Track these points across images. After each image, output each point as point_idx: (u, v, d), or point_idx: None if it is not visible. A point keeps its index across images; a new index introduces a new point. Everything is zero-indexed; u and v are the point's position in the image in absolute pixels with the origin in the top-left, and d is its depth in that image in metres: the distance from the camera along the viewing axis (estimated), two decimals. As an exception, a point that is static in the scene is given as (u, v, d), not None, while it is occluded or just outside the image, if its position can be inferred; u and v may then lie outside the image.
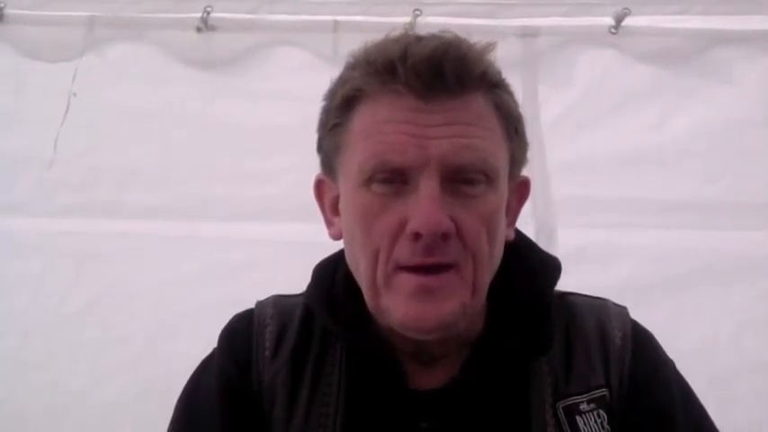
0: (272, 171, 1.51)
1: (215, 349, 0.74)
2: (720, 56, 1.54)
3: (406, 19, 1.49)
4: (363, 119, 0.61)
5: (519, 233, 0.72)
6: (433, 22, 1.47)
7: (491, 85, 0.62)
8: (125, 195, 1.51)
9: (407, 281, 0.59)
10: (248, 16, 1.57)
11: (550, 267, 0.71)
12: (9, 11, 1.57)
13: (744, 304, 1.44)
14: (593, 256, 1.46)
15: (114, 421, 1.40)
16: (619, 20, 1.54)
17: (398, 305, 0.60)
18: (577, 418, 0.66)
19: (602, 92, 1.54)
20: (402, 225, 0.59)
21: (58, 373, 1.43)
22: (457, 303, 0.60)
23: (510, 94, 0.65)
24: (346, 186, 0.63)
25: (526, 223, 1.32)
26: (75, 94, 1.47)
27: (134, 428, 1.39)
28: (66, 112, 1.47)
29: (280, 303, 0.74)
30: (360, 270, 0.63)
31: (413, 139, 0.58)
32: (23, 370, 1.44)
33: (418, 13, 1.50)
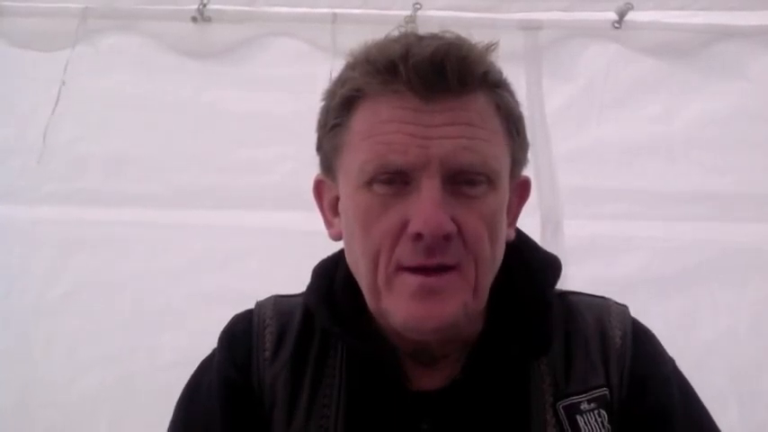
0: (268, 160, 1.49)
1: (215, 349, 0.73)
2: (723, 50, 1.54)
3: (406, 12, 1.48)
4: (364, 119, 0.60)
5: (519, 232, 0.71)
6: (434, 15, 1.46)
7: (492, 86, 0.61)
8: (116, 184, 1.48)
9: (409, 281, 0.59)
10: (245, 8, 1.56)
11: (551, 267, 0.70)
12: (4, 3, 1.57)
13: (759, 296, 1.43)
14: (600, 248, 1.45)
15: (92, 415, 1.37)
16: (621, 14, 1.54)
17: (400, 306, 0.59)
18: (578, 417, 0.65)
19: (607, 85, 1.53)
20: (403, 226, 0.58)
21: (37, 364, 1.40)
22: (459, 304, 0.59)
23: (511, 93, 0.64)
24: (346, 187, 0.62)
25: (532, 215, 1.33)
26: (64, 83, 1.45)
27: (111, 423, 1.37)
28: (57, 101, 1.45)
29: (279, 304, 0.73)
30: (360, 271, 0.62)
31: (414, 139, 0.58)
32: (1, 360, 1.40)
33: (418, 6, 1.48)
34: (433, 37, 0.60)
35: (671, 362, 0.71)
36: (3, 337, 1.42)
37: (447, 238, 0.57)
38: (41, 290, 1.44)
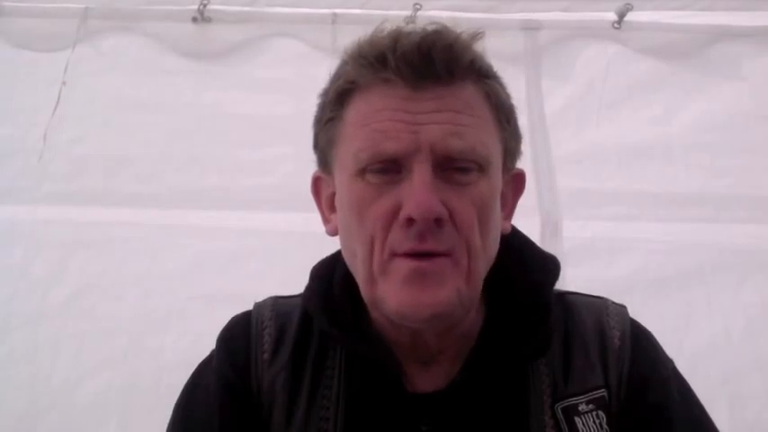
0: (268, 161, 1.49)
1: (213, 351, 0.73)
2: (723, 51, 1.55)
3: (406, 13, 1.49)
4: (357, 109, 0.62)
5: (518, 232, 0.71)
6: (434, 16, 1.46)
7: (480, 75, 0.62)
8: (116, 185, 1.48)
9: (402, 265, 0.59)
10: (246, 8, 1.57)
11: (549, 267, 0.70)
12: (5, 3, 1.57)
13: (755, 298, 1.43)
14: (600, 250, 1.45)
15: (99, 417, 1.37)
16: (621, 15, 1.55)
17: (394, 291, 0.59)
18: (576, 419, 0.65)
19: (606, 86, 1.54)
20: (396, 211, 0.59)
21: (42, 366, 1.40)
22: (452, 290, 0.59)
23: (501, 84, 0.65)
24: (341, 177, 0.63)
25: (532, 216, 1.34)
26: (64, 83, 1.46)
27: (119, 424, 1.37)
28: (57, 102, 1.45)
29: (278, 305, 0.74)
30: (356, 261, 0.62)
31: (405, 125, 0.59)
32: (5, 363, 1.41)
33: (418, 6, 1.49)
34: (421, 29, 0.61)
35: (670, 362, 0.71)
36: (8, 339, 1.42)
37: (438, 222, 0.58)
38: (45, 292, 1.43)
